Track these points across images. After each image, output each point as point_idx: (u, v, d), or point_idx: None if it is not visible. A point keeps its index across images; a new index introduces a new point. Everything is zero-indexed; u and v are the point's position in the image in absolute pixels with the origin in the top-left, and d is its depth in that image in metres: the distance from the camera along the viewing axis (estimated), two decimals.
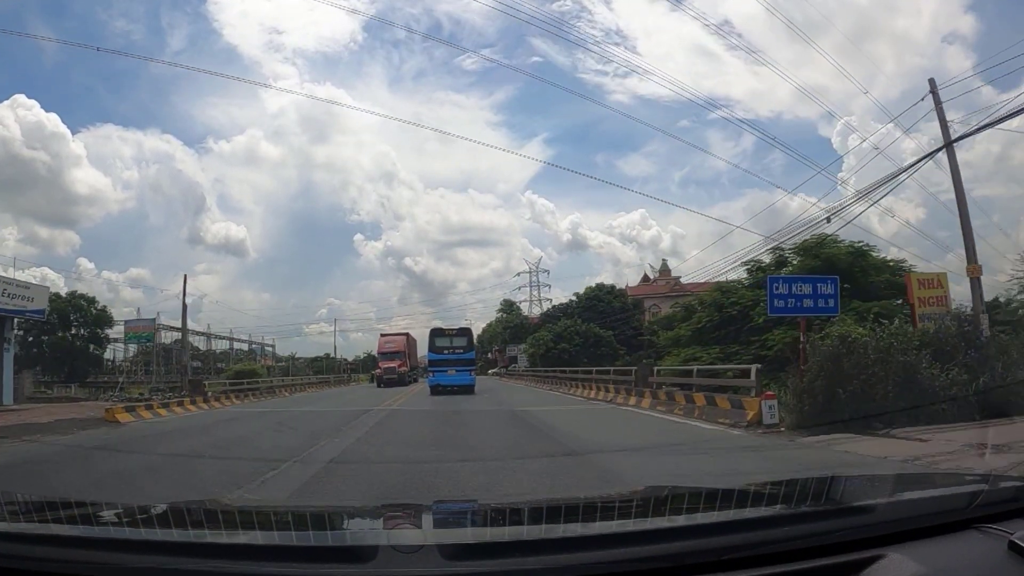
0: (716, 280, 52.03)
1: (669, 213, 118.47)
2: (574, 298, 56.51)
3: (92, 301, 59.88)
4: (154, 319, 40.44)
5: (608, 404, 18.05)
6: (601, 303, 52.70)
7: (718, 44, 74.72)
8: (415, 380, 43.38)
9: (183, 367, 35.94)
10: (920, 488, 2.03)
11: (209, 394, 26.19)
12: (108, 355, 64.45)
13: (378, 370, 39.77)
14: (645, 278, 67.19)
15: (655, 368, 16.99)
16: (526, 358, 53.34)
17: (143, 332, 40.82)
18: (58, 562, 1.39)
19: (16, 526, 1.63)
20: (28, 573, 1.38)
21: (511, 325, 64.54)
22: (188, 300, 36.64)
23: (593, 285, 56.59)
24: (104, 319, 60.98)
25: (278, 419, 16.10)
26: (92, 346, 61.27)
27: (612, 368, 20.02)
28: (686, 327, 21.06)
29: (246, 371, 48.45)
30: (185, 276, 38.50)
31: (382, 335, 45.59)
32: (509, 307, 69.91)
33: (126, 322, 44.46)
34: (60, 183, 77.41)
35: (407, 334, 45.60)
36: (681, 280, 60.17)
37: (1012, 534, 1.35)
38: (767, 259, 21.65)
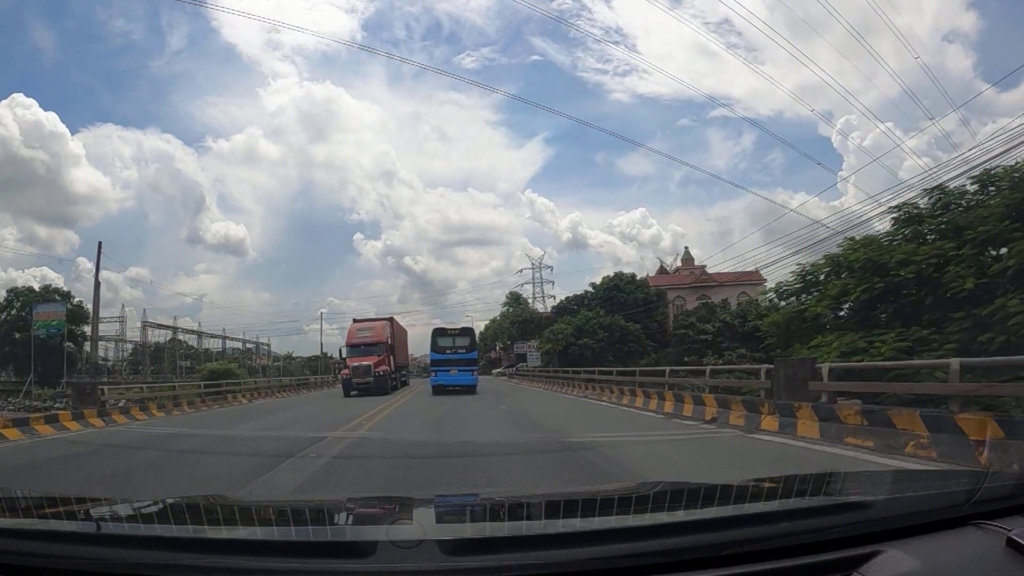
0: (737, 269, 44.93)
1: (669, 212, 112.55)
2: (590, 288, 48.77)
3: (67, 296, 55.03)
4: (65, 302, 32.25)
5: (713, 427, 10.39)
6: (622, 294, 44.92)
7: (718, 43, 69.77)
8: (405, 383, 32.33)
9: (94, 367, 28.18)
10: (918, 484, 1.98)
11: (121, 403, 18.75)
12: (102, 353, 61.13)
13: (345, 371, 25.58)
14: (661, 270, 59.69)
15: (820, 367, 9.19)
16: (538, 356, 45.57)
17: (52, 321, 32.44)
18: (58, 558, 1.32)
19: (15, 522, 1.55)
20: (28, 570, 1.31)
21: (519, 320, 56.27)
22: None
23: (611, 274, 48.92)
24: (80, 315, 55.71)
25: (149, 460, 8.67)
26: (68, 344, 56.27)
27: (709, 367, 12.37)
28: (816, 303, 13.32)
29: (221, 371, 42.05)
30: (99, 244, 30.33)
31: (355, 320, 30.16)
32: (516, 300, 61.46)
33: (34, 307, 36.31)
34: (59, 182, 76.04)
35: (391, 319, 30.64)
36: (707, 270, 52.81)
37: (1010, 531, 1.28)
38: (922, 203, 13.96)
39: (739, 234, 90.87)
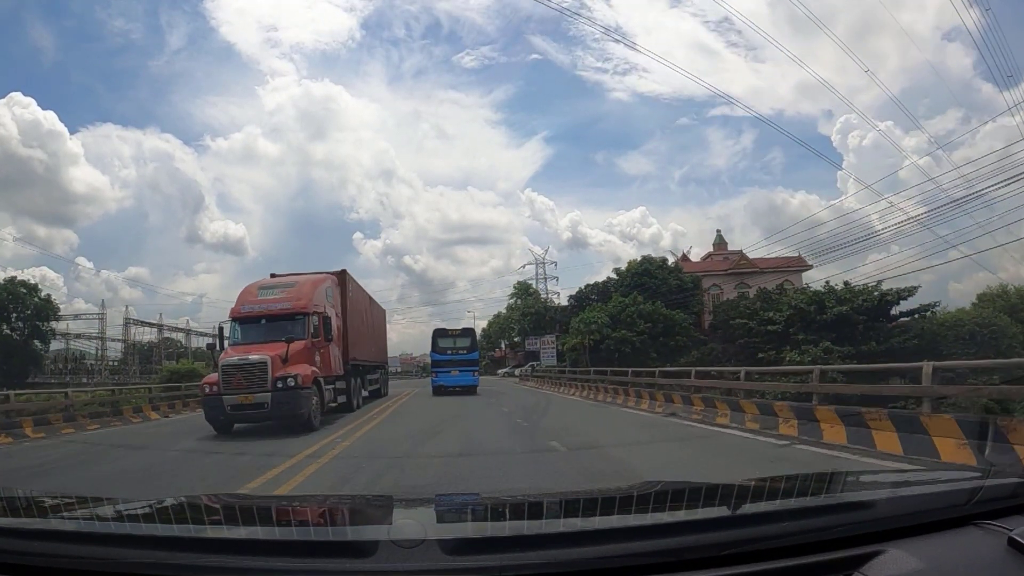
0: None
1: (669, 211, 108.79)
2: (614, 275, 40.81)
3: (34, 289, 48.19)
4: None
5: None
6: (653, 280, 37.06)
7: (718, 41, 64.98)
8: (379, 394, 20.43)
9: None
10: (919, 483, 1.85)
11: None
12: (93, 350, 55.47)
13: (211, 376, 11.41)
14: (684, 259, 52.02)
15: None
16: (554, 353, 37.68)
17: None
18: (59, 557, 1.25)
19: (16, 521, 1.47)
20: (29, 569, 1.24)
21: (531, 312, 48.07)
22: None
23: (638, 259, 41.17)
24: (48, 310, 48.82)
25: None
26: (36, 342, 49.32)
27: None
28: None
29: (183, 371, 34.79)
30: None
31: (272, 275, 15.09)
32: (525, 291, 53.31)
33: None
34: (58, 182, 73.17)
35: (342, 273, 15.45)
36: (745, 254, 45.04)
37: (1012, 531, 1.22)
38: None
39: (740, 232, 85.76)
